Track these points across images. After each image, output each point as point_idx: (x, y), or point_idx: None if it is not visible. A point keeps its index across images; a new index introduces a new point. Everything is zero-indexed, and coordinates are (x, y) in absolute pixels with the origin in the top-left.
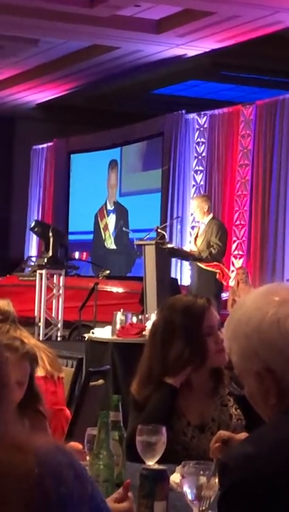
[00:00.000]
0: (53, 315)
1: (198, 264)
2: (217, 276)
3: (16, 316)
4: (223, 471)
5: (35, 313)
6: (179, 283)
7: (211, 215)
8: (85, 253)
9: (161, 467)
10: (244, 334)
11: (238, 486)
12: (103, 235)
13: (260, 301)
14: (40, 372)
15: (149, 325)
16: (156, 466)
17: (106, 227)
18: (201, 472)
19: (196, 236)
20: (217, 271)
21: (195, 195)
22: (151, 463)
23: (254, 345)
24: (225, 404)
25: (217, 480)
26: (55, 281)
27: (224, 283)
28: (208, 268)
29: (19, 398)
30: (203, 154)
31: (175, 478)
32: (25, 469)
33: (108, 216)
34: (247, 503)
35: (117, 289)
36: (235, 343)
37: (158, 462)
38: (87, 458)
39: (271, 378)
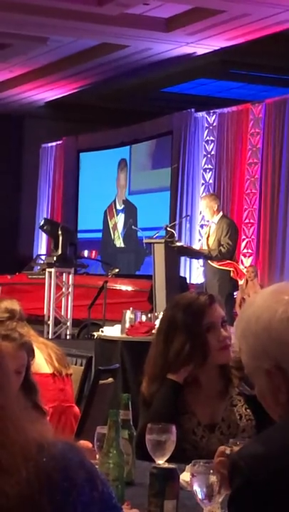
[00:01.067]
0: (62, 313)
1: (211, 263)
2: (231, 274)
3: (24, 315)
4: (233, 471)
5: (45, 312)
6: (188, 281)
7: (221, 214)
8: (94, 251)
9: (171, 466)
10: (253, 333)
11: (248, 486)
12: (112, 233)
13: (269, 299)
14: (48, 369)
15: (158, 323)
16: (166, 465)
17: (115, 226)
18: (211, 471)
19: (208, 235)
20: (231, 269)
21: (204, 193)
22: (161, 461)
23: (264, 343)
24: (235, 404)
25: (223, 497)
26: (64, 279)
27: (239, 280)
28: (222, 267)
29: (17, 387)
30: (213, 152)
31: (185, 477)
32: (25, 451)
33: (117, 215)
34: (257, 503)
35: (126, 287)
36: (244, 342)
37: (167, 461)
38: (97, 456)
39: (281, 376)
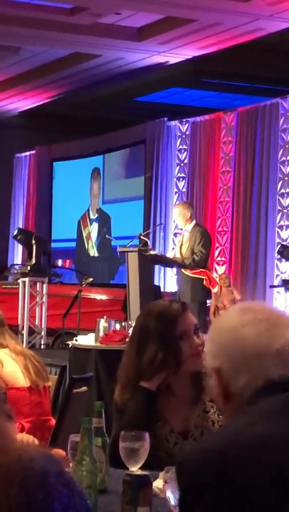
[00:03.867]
0: (37, 323)
1: (184, 271)
2: (204, 282)
3: (5, 320)
4: (178, 472)
5: (19, 321)
6: (162, 290)
7: (194, 222)
8: (68, 261)
9: (144, 473)
10: (211, 337)
11: (193, 483)
12: (86, 242)
13: (235, 309)
14: (25, 383)
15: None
16: (139, 472)
17: (89, 235)
18: None
19: (181, 243)
20: (204, 277)
21: (177, 202)
22: (135, 469)
23: (217, 345)
24: (207, 410)
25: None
26: (38, 289)
27: (211, 289)
28: (195, 275)
29: None
30: (186, 161)
31: (158, 484)
32: (7, 470)
33: (91, 224)
34: (204, 498)
35: (100, 296)
36: (207, 344)
37: (141, 468)
38: (70, 465)
39: (222, 379)
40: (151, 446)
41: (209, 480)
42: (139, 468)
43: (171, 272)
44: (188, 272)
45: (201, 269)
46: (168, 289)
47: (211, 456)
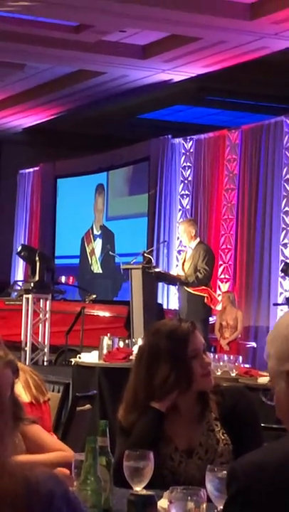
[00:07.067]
0: (40, 339)
1: (186, 288)
2: (205, 300)
3: (1, 338)
4: (230, 477)
5: (22, 338)
6: (166, 307)
7: (198, 240)
8: (71, 277)
9: (148, 492)
10: (283, 336)
11: (243, 493)
12: (90, 259)
13: None
14: (26, 398)
15: (135, 349)
16: (144, 492)
17: (93, 252)
18: (189, 497)
19: (184, 261)
20: (205, 295)
21: (181, 219)
22: (139, 488)
23: (284, 348)
24: (212, 429)
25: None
26: (41, 305)
27: (212, 307)
28: (196, 292)
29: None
30: (190, 178)
31: (163, 503)
32: (14, 495)
33: (95, 241)
34: (250, 509)
35: (103, 313)
36: (272, 346)
37: (145, 487)
38: (75, 484)
39: None
40: (155, 465)
41: (259, 491)
42: (144, 488)
43: (175, 290)
44: (189, 289)
45: (203, 287)
46: (171, 307)
47: (265, 468)
